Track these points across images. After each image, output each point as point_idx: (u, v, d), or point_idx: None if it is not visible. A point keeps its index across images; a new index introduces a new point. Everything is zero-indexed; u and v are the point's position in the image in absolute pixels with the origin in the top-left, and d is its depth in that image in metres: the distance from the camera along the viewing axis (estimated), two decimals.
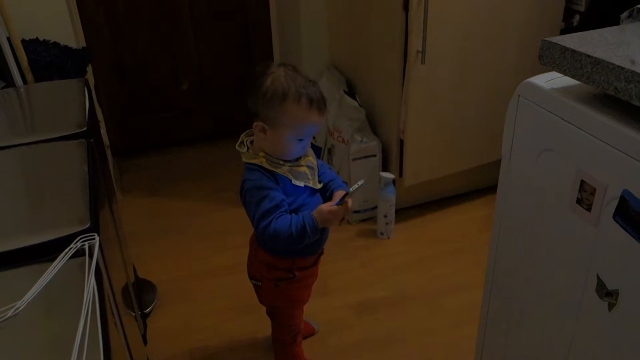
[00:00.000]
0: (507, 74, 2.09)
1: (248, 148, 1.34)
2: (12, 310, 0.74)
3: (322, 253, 1.48)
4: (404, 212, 2.33)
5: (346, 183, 2.20)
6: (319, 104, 1.26)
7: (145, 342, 1.69)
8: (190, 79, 2.85)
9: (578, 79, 0.91)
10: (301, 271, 1.42)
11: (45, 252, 0.84)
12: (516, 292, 1.17)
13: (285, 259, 1.39)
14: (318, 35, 2.50)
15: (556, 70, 0.96)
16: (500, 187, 1.16)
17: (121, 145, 2.83)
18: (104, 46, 2.61)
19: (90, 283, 0.78)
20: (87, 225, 0.90)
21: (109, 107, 2.70)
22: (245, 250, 1.48)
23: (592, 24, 2.02)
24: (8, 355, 0.69)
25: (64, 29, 2.11)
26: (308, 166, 1.35)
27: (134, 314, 1.53)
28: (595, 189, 0.88)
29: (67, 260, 0.82)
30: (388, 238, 2.22)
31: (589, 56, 0.87)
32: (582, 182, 0.91)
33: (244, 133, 1.37)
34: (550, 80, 1.00)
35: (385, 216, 2.18)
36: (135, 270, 1.90)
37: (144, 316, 1.81)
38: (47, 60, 1.84)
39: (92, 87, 1.83)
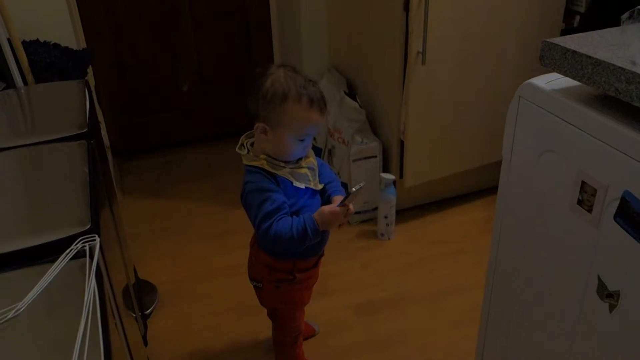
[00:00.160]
0: (507, 75, 2.09)
1: (248, 150, 1.34)
2: (13, 311, 0.74)
3: (322, 254, 1.47)
4: (404, 213, 2.33)
5: (345, 184, 2.22)
6: (319, 104, 1.26)
7: (145, 343, 1.69)
8: (190, 80, 2.85)
9: (579, 80, 0.91)
10: (302, 273, 1.42)
11: (45, 254, 0.84)
12: (517, 293, 1.17)
13: (286, 260, 1.39)
14: (318, 36, 2.50)
15: (557, 71, 0.96)
16: (501, 188, 1.16)
17: (121, 146, 2.83)
18: (104, 47, 2.62)
19: (91, 284, 0.78)
20: (88, 227, 0.90)
21: (109, 108, 2.71)
22: (245, 251, 1.48)
23: (592, 24, 2.02)
24: (9, 357, 0.69)
25: (65, 30, 2.11)
26: (309, 167, 1.35)
27: (134, 315, 1.53)
28: (596, 190, 0.88)
29: (67, 262, 0.82)
30: (388, 239, 2.22)
31: (589, 57, 0.87)
32: (583, 183, 0.91)
33: (244, 135, 1.36)
34: (551, 81, 1.00)
35: (386, 217, 2.18)
36: (135, 272, 1.90)
37: (145, 317, 1.81)
38: (48, 61, 1.84)
39: (92, 88, 1.83)
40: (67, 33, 2.10)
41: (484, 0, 1.93)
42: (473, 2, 1.91)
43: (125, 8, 2.59)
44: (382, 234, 2.22)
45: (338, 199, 1.34)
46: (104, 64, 2.63)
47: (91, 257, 0.84)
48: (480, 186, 2.44)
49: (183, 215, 2.42)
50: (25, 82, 1.75)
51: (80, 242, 0.86)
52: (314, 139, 2.38)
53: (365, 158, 2.20)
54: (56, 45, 1.97)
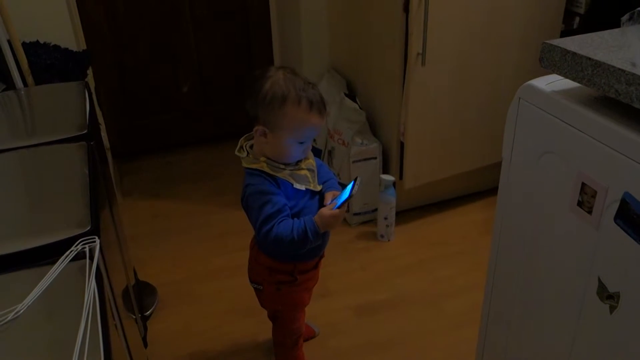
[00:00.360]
0: (507, 76, 2.09)
1: (248, 153, 1.33)
2: (13, 313, 0.74)
3: (322, 256, 1.47)
4: (404, 215, 2.33)
5: (344, 185, 2.21)
6: (319, 106, 1.26)
7: (145, 344, 1.69)
8: (190, 80, 2.85)
9: (579, 82, 0.91)
10: (302, 274, 1.42)
11: (45, 255, 0.84)
12: (517, 294, 1.17)
13: (286, 262, 1.39)
14: (318, 37, 2.50)
15: (557, 73, 0.96)
16: (501, 190, 1.16)
17: (121, 148, 2.83)
18: (104, 48, 2.62)
19: (91, 286, 0.78)
20: (88, 228, 0.90)
21: (109, 109, 2.70)
22: (246, 252, 1.48)
23: (592, 26, 2.03)
24: (9, 359, 0.69)
25: (64, 31, 2.11)
26: (308, 169, 1.35)
27: (134, 317, 1.53)
28: (596, 192, 0.88)
29: (67, 263, 0.82)
30: (388, 240, 2.22)
31: (589, 59, 0.87)
32: (583, 184, 0.91)
33: (243, 138, 1.36)
34: (551, 82, 1.00)
35: (386, 218, 2.18)
36: (135, 273, 1.90)
37: (145, 319, 1.81)
38: (48, 62, 1.84)
39: (92, 90, 1.83)
40: (67, 34, 2.11)
41: (483, 1, 1.93)
42: (473, 3, 1.91)
43: (125, 9, 2.59)
44: (382, 236, 2.22)
45: (330, 195, 1.34)
46: (104, 65, 2.64)
47: (91, 258, 0.84)
48: (480, 187, 2.44)
49: (183, 217, 2.42)
50: (25, 84, 1.75)
51: (80, 244, 0.86)
52: (314, 140, 2.38)
53: (365, 159, 2.20)
54: (56, 47, 1.97)
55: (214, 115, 2.95)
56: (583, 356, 0.99)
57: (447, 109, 2.07)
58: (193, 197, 2.56)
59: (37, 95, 1.66)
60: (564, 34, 2.13)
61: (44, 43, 1.97)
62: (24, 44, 1.82)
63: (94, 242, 0.86)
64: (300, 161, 1.34)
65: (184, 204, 2.51)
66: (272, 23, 2.80)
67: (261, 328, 1.76)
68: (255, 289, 1.48)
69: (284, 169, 1.30)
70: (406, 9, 1.87)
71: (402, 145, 2.12)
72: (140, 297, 1.87)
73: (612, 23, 1.05)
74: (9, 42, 1.74)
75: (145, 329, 1.76)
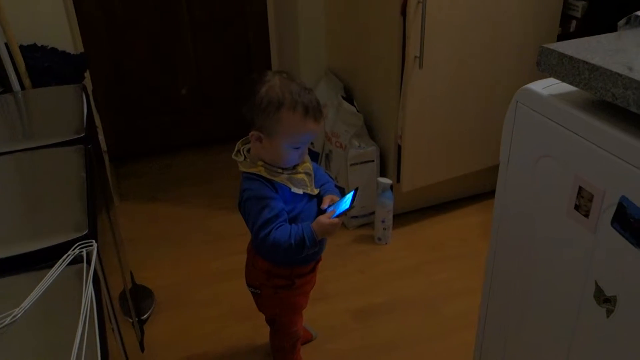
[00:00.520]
0: (504, 80, 2.10)
1: (245, 157, 1.33)
2: (10, 317, 0.74)
3: (320, 260, 1.47)
4: (401, 218, 2.33)
5: (342, 188, 2.22)
6: (314, 112, 1.25)
7: (142, 348, 1.68)
8: (188, 84, 2.85)
9: (576, 86, 0.91)
10: (300, 278, 1.41)
11: (43, 259, 0.84)
12: (514, 297, 1.17)
13: (283, 266, 1.38)
14: (316, 41, 2.50)
15: (554, 77, 0.96)
16: (498, 193, 1.16)
17: (119, 150, 2.82)
18: (101, 51, 2.61)
19: (88, 290, 0.78)
20: (85, 232, 0.90)
21: (106, 112, 2.70)
22: (243, 256, 1.48)
23: (588, 29, 2.04)
24: None
25: (62, 33, 2.11)
26: (306, 173, 1.35)
27: (131, 321, 1.53)
28: (593, 195, 0.89)
29: (65, 267, 0.82)
30: (386, 244, 2.22)
31: (586, 63, 0.87)
32: (580, 188, 0.91)
33: (240, 141, 1.36)
34: (548, 86, 1.01)
35: (383, 222, 2.18)
36: (132, 276, 1.90)
37: (142, 322, 1.81)
38: (45, 65, 1.84)
39: (89, 93, 1.83)
40: (65, 37, 2.11)
41: (480, 5, 1.93)
42: (470, 7, 1.92)
43: (123, 12, 2.59)
44: (380, 239, 2.22)
45: (327, 199, 1.34)
46: (101, 69, 2.63)
47: (88, 262, 0.83)
48: (478, 190, 2.44)
49: (180, 220, 2.41)
50: (22, 87, 1.75)
51: (78, 248, 0.85)
52: (312, 143, 2.38)
53: (363, 162, 2.21)
54: (53, 50, 1.97)
55: (212, 119, 2.95)
56: (580, 359, 1.00)
57: (444, 112, 2.07)
58: (190, 200, 2.55)
59: (35, 98, 1.66)
60: (561, 37, 2.14)
61: (42, 46, 1.97)
62: (21, 47, 1.82)
63: (91, 245, 0.86)
64: (297, 165, 1.34)
65: (181, 207, 2.51)
66: (269, 26, 2.81)
67: (259, 332, 1.76)
68: (252, 292, 1.48)
69: (282, 173, 1.30)
70: (404, 12, 1.88)
71: (399, 148, 2.12)
72: (137, 300, 1.87)
73: (609, 27, 1.06)
74: (7, 45, 1.74)
75: (142, 332, 1.75)
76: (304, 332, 1.69)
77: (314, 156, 2.44)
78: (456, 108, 2.09)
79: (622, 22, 0.99)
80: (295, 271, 1.40)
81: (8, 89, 1.72)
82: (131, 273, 1.89)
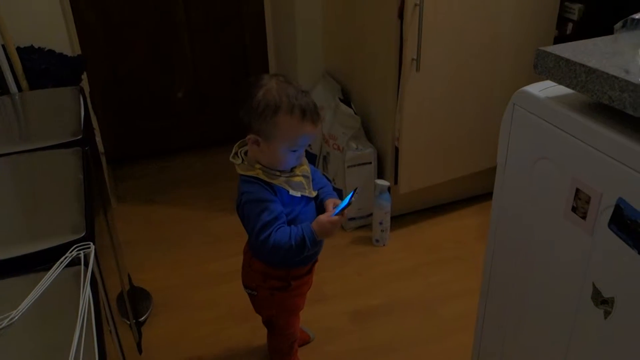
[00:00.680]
0: (501, 82, 2.10)
1: (243, 159, 1.33)
2: (7, 320, 0.74)
3: (316, 261, 1.47)
4: (399, 220, 2.33)
5: (340, 190, 2.22)
6: (312, 114, 1.25)
7: (140, 350, 1.68)
8: (185, 86, 2.85)
9: (572, 88, 0.91)
10: (296, 280, 1.41)
11: (40, 261, 0.84)
12: (512, 299, 1.17)
13: (280, 268, 1.38)
14: (313, 43, 2.50)
15: (551, 79, 0.96)
16: (495, 195, 1.17)
17: (116, 153, 2.82)
18: (99, 53, 2.61)
19: (86, 292, 0.77)
20: (83, 234, 0.90)
21: (103, 114, 2.70)
22: (241, 257, 1.48)
23: (585, 32, 2.04)
24: None
25: (59, 36, 2.11)
26: (303, 175, 1.35)
27: (128, 323, 1.52)
28: (590, 197, 0.89)
29: (62, 269, 0.82)
30: (383, 245, 2.22)
31: (583, 65, 0.87)
32: (577, 190, 0.91)
33: (237, 144, 1.35)
34: (545, 89, 1.01)
35: (381, 223, 2.18)
36: (130, 278, 1.89)
37: (139, 324, 1.80)
38: (42, 67, 1.83)
39: (87, 95, 1.83)
40: (62, 39, 2.10)
41: (477, 7, 1.94)
42: (467, 9, 1.92)
43: (121, 14, 2.59)
44: (377, 240, 2.22)
45: (330, 203, 1.34)
46: (98, 70, 2.63)
47: (86, 264, 0.83)
48: (475, 192, 2.45)
49: (178, 222, 2.41)
50: (19, 89, 1.75)
51: (75, 250, 0.85)
52: (309, 145, 2.38)
53: (360, 164, 2.21)
54: (51, 52, 1.97)
55: (209, 121, 2.95)
56: None
57: (441, 114, 2.08)
58: (188, 202, 2.55)
59: (32, 100, 1.66)
60: (558, 39, 2.15)
61: (39, 48, 1.96)
62: (18, 49, 1.82)
63: (89, 248, 0.86)
64: (294, 167, 1.34)
65: (178, 209, 2.51)
66: (267, 28, 2.81)
67: (256, 334, 1.75)
68: (249, 294, 1.48)
69: (280, 176, 1.30)
70: (401, 15, 1.88)
71: (397, 150, 2.12)
72: (135, 302, 1.86)
73: (605, 29, 1.06)
74: (4, 46, 1.74)
75: (140, 334, 1.75)
76: (301, 334, 1.69)
77: (312, 158, 2.44)
78: (453, 110, 2.09)
79: (618, 25, 1.00)
80: (292, 273, 1.40)
81: (5, 91, 1.72)
82: (129, 275, 1.89)
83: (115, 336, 1.01)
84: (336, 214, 1.27)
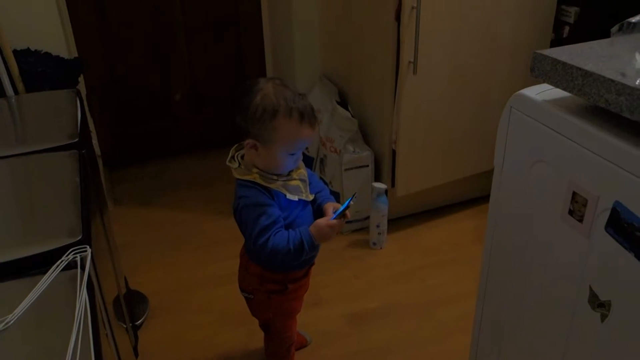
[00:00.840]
0: (498, 85, 2.11)
1: (239, 163, 1.33)
2: (3, 324, 0.74)
3: (313, 264, 1.47)
4: (396, 222, 2.33)
5: (337, 193, 2.22)
6: (310, 117, 1.25)
7: (136, 354, 1.67)
8: (182, 89, 2.85)
9: (569, 91, 0.91)
10: (293, 283, 1.41)
11: (36, 265, 0.84)
12: (509, 302, 1.17)
13: (276, 271, 1.38)
14: (310, 46, 2.50)
15: (547, 82, 0.97)
16: (492, 198, 1.17)
17: (113, 155, 2.81)
18: (95, 56, 2.61)
19: (82, 296, 0.77)
20: (79, 238, 0.89)
21: (100, 117, 2.69)
22: (237, 261, 1.48)
23: (581, 35, 2.05)
24: None
25: (56, 38, 2.10)
26: (301, 179, 1.35)
27: (125, 326, 1.52)
28: (587, 200, 0.89)
29: (58, 273, 0.82)
30: (380, 248, 2.22)
31: (580, 69, 0.87)
32: (574, 193, 0.91)
33: (233, 147, 1.35)
34: (542, 92, 1.01)
35: (378, 226, 2.18)
36: (126, 282, 1.89)
37: (135, 328, 1.80)
38: (39, 70, 1.83)
39: (83, 97, 1.83)
40: (59, 42, 2.10)
41: (475, 10, 1.94)
42: (464, 12, 1.93)
43: (117, 17, 2.59)
44: (374, 243, 2.22)
45: (330, 207, 1.34)
46: (95, 73, 2.63)
47: (82, 268, 0.83)
48: (473, 195, 2.45)
49: (174, 225, 2.41)
50: (16, 91, 1.75)
51: (72, 253, 0.85)
52: (306, 148, 2.38)
53: (357, 167, 2.21)
54: (47, 54, 1.96)
55: (206, 124, 2.95)
56: None
57: (439, 117, 2.08)
58: (184, 205, 2.55)
59: (28, 103, 1.66)
60: (554, 43, 2.15)
61: (35, 50, 1.96)
62: (14, 52, 1.82)
63: (85, 251, 0.86)
64: (291, 171, 1.34)
65: (175, 212, 2.50)
66: (264, 31, 2.81)
67: (253, 337, 1.75)
68: (245, 297, 1.47)
69: (277, 180, 1.29)
70: (398, 17, 1.89)
71: (394, 153, 2.12)
72: (132, 306, 1.86)
73: (602, 33, 1.07)
74: (0, 49, 1.73)
75: (136, 338, 1.75)
76: (298, 337, 1.69)
77: (309, 161, 2.44)
78: (450, 113, 2.10)
79: (614, 28, 1.00)
80: (289, 276, 1.40)
81: (1, 93, 1.71)
82: (125, 278, 1.88)
83: (111, 340, 1.01)
84: (334, 218, 1.27)
